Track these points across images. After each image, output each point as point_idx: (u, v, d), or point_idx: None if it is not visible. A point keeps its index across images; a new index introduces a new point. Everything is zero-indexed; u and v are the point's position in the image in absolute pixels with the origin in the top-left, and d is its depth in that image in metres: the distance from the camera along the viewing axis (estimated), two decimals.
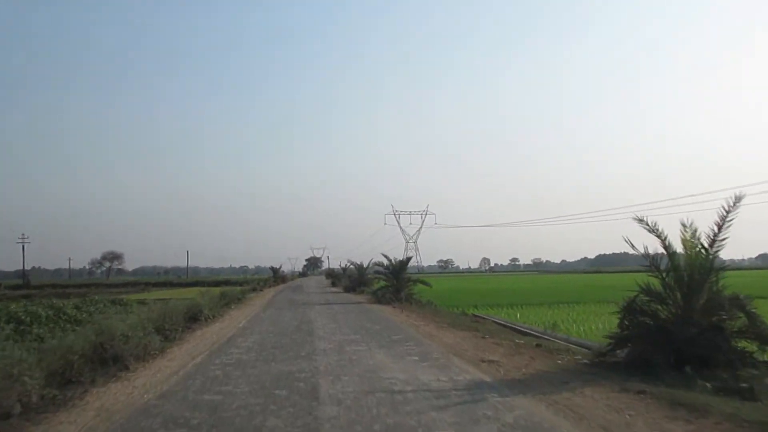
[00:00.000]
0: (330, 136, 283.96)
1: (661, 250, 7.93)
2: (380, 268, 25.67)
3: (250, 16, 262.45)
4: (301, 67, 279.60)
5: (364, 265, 36.78)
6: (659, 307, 7.69)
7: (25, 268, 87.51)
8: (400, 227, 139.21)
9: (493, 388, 6.50)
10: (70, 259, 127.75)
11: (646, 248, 8.01)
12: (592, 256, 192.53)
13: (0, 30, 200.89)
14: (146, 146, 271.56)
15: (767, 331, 6.99)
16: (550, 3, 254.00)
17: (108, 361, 8.29)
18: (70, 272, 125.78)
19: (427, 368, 7.81)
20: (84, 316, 17.91)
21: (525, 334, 13.78)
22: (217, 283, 62.61)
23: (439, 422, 5.01)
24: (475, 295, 31.34)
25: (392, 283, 24.41)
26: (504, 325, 16.10)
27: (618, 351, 7.93)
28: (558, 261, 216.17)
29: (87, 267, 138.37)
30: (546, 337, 12.73)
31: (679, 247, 7.79)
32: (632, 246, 8.12)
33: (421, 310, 20.15)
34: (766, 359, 7.07)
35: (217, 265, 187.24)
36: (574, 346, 10.26)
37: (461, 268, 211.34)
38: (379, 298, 24.63)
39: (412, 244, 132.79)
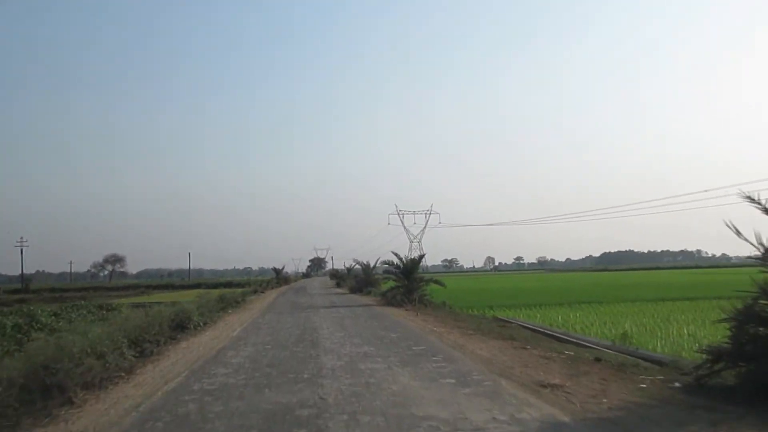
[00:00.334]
0: (330, 136, 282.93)
1: None
2: (390, 268, 23.65)
3: (250, 16, 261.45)
4: (301, 67, 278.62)
5: (371, 265, 34.88)
6: None
7: (30, 272, 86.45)
8: (404, 227, 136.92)
9: None
10: (71, 263, 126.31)
11: (758, 235, 6.04)
12: (597, 254, 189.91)
13: (0, 30, 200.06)
14: (147, 146, 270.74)
15: None
16: (550, 3, 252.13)
17: (52, 390, 6.37)
18: (72, 276, 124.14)
19: (472, 398, 5.81)
20: (61, 324, 16.06)
21: (564, 341, 11.82)
22: (219, 285, 60.85)
23: None
24: (486, 294, 29.49)
25: (403, 284, 22.42)
26: (535, 330, 14.13)
27: (721, 370, 5.96)
28: (563, 259, 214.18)
29: (90, 270, 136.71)
30: (589, 345, 10.77)
31: None
32: (737, 233, 6.16)
33: (436, 312, 18.16)
34: None
35: (220, 267, 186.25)
36: (643, 362, 8.27)
37: (465, 267, 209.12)
38: (389, 299, 22.80)
39: (417, 243, 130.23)
